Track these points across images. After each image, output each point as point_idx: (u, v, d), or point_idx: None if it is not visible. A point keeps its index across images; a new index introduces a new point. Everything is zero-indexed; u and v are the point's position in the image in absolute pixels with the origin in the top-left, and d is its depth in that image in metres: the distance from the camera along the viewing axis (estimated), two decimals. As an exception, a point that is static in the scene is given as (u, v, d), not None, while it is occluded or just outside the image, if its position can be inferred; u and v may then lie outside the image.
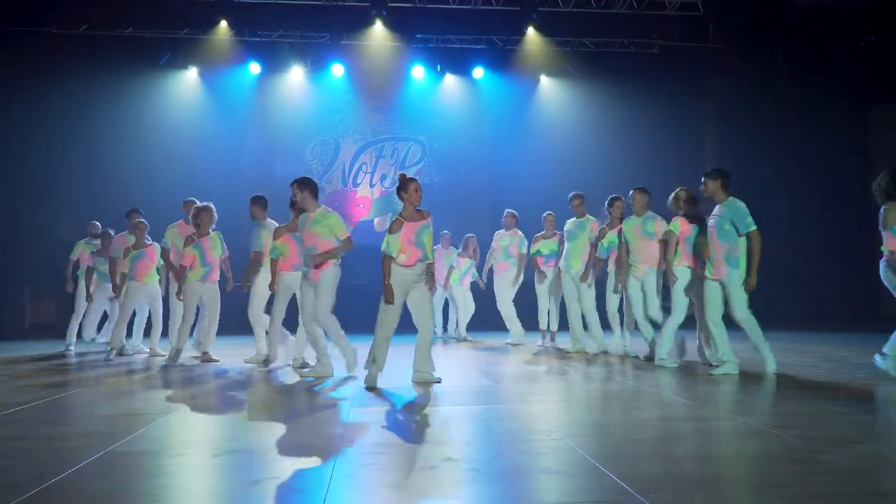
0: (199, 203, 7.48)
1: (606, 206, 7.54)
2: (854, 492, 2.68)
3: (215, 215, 7.35)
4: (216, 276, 7.37)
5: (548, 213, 8.47)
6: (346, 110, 13.63)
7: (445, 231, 9.86)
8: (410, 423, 4.17)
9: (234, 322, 8.32)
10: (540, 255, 8.39)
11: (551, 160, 13.10)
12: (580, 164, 12.68)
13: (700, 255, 6.18)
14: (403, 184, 5.41)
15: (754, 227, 5.74)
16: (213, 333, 7.45)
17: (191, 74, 13.09)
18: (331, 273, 5.96)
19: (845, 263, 11.81)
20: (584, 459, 3.14)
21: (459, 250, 9.70)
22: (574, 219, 7.73)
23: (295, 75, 13.34)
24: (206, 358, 7.37)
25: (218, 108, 13.01)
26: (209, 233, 7.30)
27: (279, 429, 3.97)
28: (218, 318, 7.43)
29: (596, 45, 13.64)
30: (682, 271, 6.33)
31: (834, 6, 12.72)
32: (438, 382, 5.45)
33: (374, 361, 5.37)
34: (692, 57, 13.30)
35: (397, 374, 5.80)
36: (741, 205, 5.81)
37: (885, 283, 5.51)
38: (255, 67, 13.07)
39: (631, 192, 6.96)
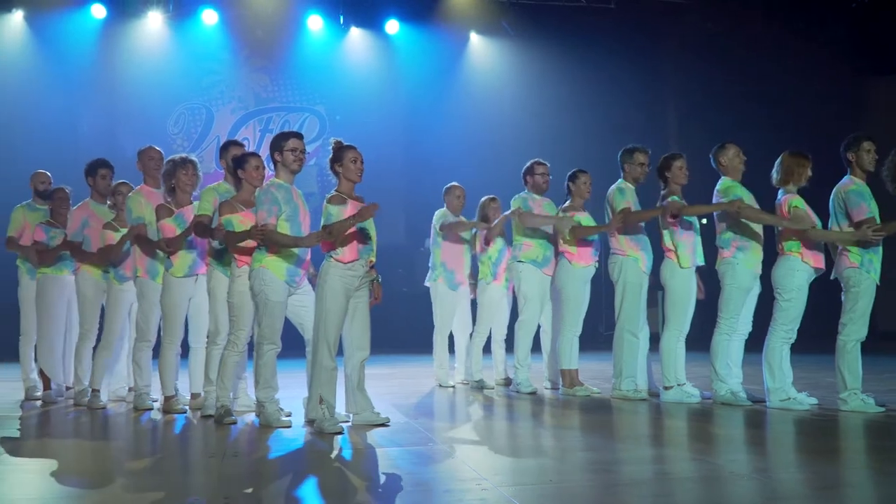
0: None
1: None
2: None
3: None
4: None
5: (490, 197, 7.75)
6: (222, 71, 13.34)
7: None
8: (308, 471, 4.16)
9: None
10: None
11: (482, 135, 13.09)
12: (518, 138, 12.65)
13: None
14: (339, 154, 5.21)
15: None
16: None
17: (15, 19, 12.60)
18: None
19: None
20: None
21: None
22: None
23: (153, 22, 12.97)
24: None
25: (50, 62, 12.50)
26: None
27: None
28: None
29: (539, -1, 13.68)
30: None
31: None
32: (386, 425, 5.21)
33: (323, 402, 5.04)
34: (655, 13, 13.43)
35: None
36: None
37: None
38: (98, 10, 12.69)
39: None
